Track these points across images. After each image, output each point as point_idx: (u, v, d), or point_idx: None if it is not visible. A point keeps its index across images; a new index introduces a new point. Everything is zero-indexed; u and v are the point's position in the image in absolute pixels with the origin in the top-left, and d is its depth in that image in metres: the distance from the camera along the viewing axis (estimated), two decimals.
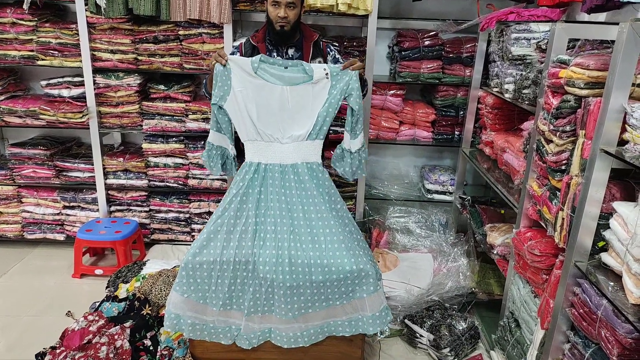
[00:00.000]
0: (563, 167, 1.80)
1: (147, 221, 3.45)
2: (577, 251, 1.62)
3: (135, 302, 2.40)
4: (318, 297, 2.04)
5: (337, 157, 2.25)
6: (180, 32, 3.06)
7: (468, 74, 3.10)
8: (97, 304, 2.49)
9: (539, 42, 2.30)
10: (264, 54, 2.31)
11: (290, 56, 2.40)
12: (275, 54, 2.39)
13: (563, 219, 1.73)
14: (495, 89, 2.82)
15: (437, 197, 3.38)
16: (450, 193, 3.36)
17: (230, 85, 2.09)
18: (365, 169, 2.27)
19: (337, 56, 2.49)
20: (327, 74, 2.14)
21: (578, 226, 1.60)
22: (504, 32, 2.58)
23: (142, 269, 2.85)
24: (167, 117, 3.22)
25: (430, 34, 3.08)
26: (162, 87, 3.20)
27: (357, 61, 2.16)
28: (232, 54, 2.39)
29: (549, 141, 1.88)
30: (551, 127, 1.83)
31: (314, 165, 2.16)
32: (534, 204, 2.07)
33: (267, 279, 1.99)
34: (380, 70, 3.36)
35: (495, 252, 2.52)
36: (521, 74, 2.44)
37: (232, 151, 2.20)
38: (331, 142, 2.65)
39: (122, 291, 2.60)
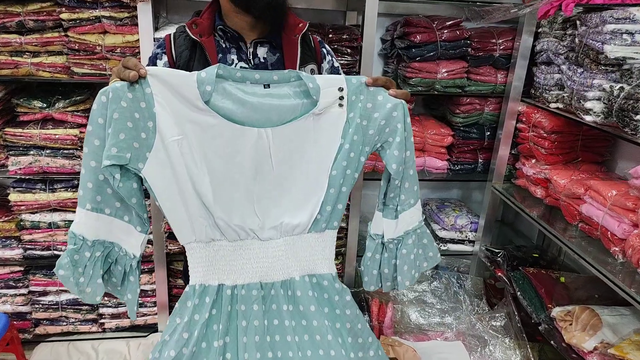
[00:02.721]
0: None
1: (25, 309, 2.23)
2: None
3: None
4: None
5: (366, 253, 1.24)
6: (64, 16, 1.86)
7: (501, 79, 2.19)
8: None
9: None
10: (213, 56, 1.24)
11: (262, 61, 1.33)
12: (233, 56, 1.31)
13: None
14: (553, 105, 1.92)
15: (452, 247, 2.46)
16: (471, 242, 2.46)
17: (152, 129, 1.00)
18: (417, 274, 1.27)
19: (337, 65, 1.46)
20: (342, 96, 1.11)
21: None
22: (587, 22, 1.67)
23: None
24: (49, 152, 2.02)
25: (450, 22, 2.12)
26: (38, 103, 1.99)
27: (390, 82, 1.16)
28: (153, 59, 1.29)
29: None
30: None
31: (325, 279, 1.14)
32: None
33: None
34: (368, 73, 2.35)
35: None
36: (620, 87, 1.56)
37: (135, 250, 1.11)
38: None
39: None
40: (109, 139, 0.98)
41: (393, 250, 1.21)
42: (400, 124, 1.13)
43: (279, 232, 1.12)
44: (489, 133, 2.30)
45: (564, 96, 1.84)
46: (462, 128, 2.29)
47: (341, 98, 1.12)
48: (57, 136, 1.99)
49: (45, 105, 1.99)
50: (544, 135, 1.98)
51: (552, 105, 1.92)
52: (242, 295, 1.08)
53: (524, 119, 2.12)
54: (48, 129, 1.99)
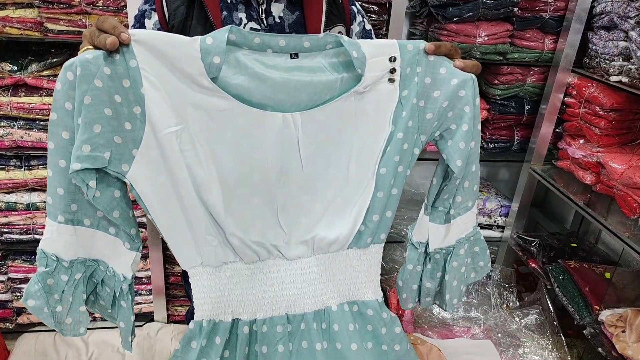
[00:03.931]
0: None
1: (5, 297, 2.00)
2: None
3: None
4: None
5: (407, 265, 0.99)
6: None
7: (549, 46, 1.89)
8: None
9: None
10: (216, 14, 0.95)
11: (277, 21, 1.04)
12: (241, 14, 1.01)
13: None
14: (614, 78, 1.64)
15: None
16: (500, 227, 2.22)
17: (140, 117, 0.73)
18: (465, 288, 1.03)
19: (368, 27, 1.17)
20: (394, 69, 0.83)
21: None
22: None
23: None
24: (23, 123, 1.73)
25: None
26: (7, 66, 1.68)
27: (455, 49, 0.88)
28: (140, 18, 1.00)
29: None
30: None
31: (370, 307, 0.89)
32: None
33: None
34: (397, 36, 2.03)
35: None
36: None
37: (126, 270, 0.86)
38: None
39: None
40: (80, 133, 0.70)
41: (440, 262, 0.96)
42: (469, 107, 0.85)
43: (310, 248, 0.86)
44: (529, 107, 2.02)
45: (630, 68, 1.56)
46: (499, 101, 2.00)
47: (392, 71, 0.84)
48: (31, 105, 1.69)
49: (16, 68, 1.68)
50: (600, 112, 1.70)
51: (613, 78, 1.63)
52: (264, 332, 0.83)
53: (574, 93, 1.84)
54: (20, 96, 1.69)
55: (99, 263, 0.85)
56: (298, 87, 0.81)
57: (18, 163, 1.78)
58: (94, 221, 0.81)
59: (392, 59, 0.84)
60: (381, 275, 2.13)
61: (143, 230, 1.95)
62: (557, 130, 1.97)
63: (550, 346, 1.84)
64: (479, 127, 0.91)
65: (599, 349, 1.61)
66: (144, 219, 1.91)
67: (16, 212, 1.85)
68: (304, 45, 0.82)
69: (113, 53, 0.71)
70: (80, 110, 0.70)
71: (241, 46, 0.79)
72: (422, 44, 0.85)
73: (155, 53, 0.73)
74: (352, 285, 0.88)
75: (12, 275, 1.96)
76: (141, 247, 0.85)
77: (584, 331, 1.66)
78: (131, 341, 0.89)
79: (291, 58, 0.83)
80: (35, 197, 1.84)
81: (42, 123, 1.73)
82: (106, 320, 2.10)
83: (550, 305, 1.94)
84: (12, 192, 1.83)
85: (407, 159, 0.88)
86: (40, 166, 1.80)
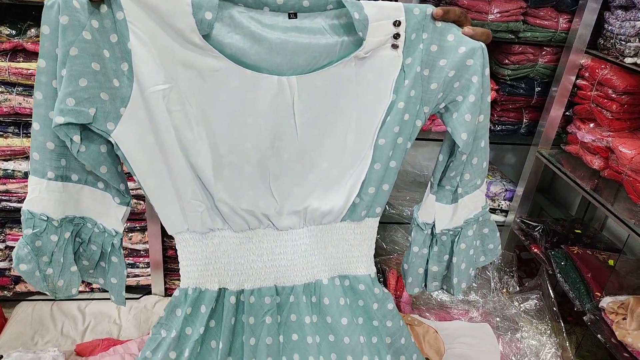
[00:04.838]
0: None
1: (3, 265, 2.00)
2: None
3: None
4: None
5: (412, 246, 0.96)
6: None
7: (563, 25, 1.82)
8: None
9: None
10: None
11: None
12: None
13: None
14: (629, 59, 1.58)
15: None
16: (504, 212, 2.19)
17: (128, 74, 0.70)
18: (473, 272, 1.00)
19: None
20: (398, 34, 0.79)
21: None
22: None
23: None
24: (21, 89, 1.70)
25: None
26: (6, 30, 1.65)
27: (464, 16, 0.84)
28: None
29: None
30: None
31: (362, 282, 0.86)
32: None
33: None
34: None
35: None
36: None
37: (117, 225, 0.84)
38: None
39: None
40: (63, 86, 0.68)
41: (447, 244, 0.93)
42: (477, 77, 0.81)
43: (302, 219, 0.83)
44: (539, 89, 1.96)
45: None
46: (508, 82, 1.95)
47: (396, 36, 0.80)
48: (29, 71, 1.66)
49: (14, 32, 1.65)
50: (613, 95, 1.65)
51: (628, 60, 1.57)
52: (251, 303, 0.81)
53: (586, 75, 1.78)
54: (18, 61, 1.66)
55: (86, 220, 0.82)
56: (295, 50, 0.77)
57: (16, 130, 1.76)
58: (82, 176, 0.79)
59: (397, 24, 0.79)
60: (381, 256, 2.11)
61: (142, 202, 1.93)
62: (567, 113, 1.91)
63: (548, 331, 1.82)
64: (489, 99, 0.86)
65: (598, 336, 1.58)
66: (142, 192, 1.89)
67: (14, 180, 1.83)
68: (303, 4, 0.78)
69: (100, 4, 0.68)
70: (65, 61, 0.66)
71: (236, 2, 0.75)
72: (429, 8, 0.81)
73: (144, 6, 0.69)
74: (345, 259, 0.86)
75: (10, 243, 1.95)
76: (131, 202, 0.83)
77: (584, 317, 1.63)
78: (124, 295, 0.88)
79: (289, 18, 0.79)
80: None
81: None
82: (104, 291, 2.13)
83: (550, 291, 1.92)
84: (10, 160, 1.81)
85: (408, 131, 0.84)
86: None
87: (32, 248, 0.77)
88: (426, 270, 0.96)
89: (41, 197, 0.76)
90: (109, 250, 0.84)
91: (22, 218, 0.78)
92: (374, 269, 0.87)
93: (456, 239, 0.92)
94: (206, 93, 0.75)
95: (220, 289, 0.80)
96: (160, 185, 0.76)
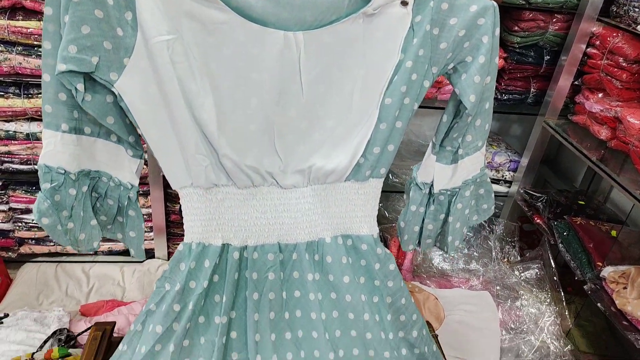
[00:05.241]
0: None
1: (7, 227, 2.01)
2: None
3: None
4: None
5: (407, 205, 0.96)
6: None
7: None
8: None
9: None
10: None
11: None
12: None
13: None
14: None
15: None
16: (508, 182, 2.18)
17: (132, 23, 0.68)
18: (466, 230, 1.00)
19: None
20: None
21: None
22: None
23: None
24: (21, 49, 1.68)
25: None
26: None
27: None
28: None
29: None
30: None
31: (365, 242, 0.86)
32: None
33: None
34: None
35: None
36: None
37: (132, 179, 0.85)
38: None
39: None
40: (66, 33, 0.66)
41: (444, 203, 0.93)
42: (488, 37, 0.79)
43: (306, 178, 0.82)
44: (548, 58, 1.92)
45: None
46: (517, 50, 1.91)
47: None
48: (29, 30, 1.63)
49: None
50: (623, 64, 1.62)
51: None
52: (254, 259, 0.81)
53: (597, 43, 1.74)
54: (18, 19, 1.63)
55: (101, 174, 0.82)
56: (303, 5, 0.75)
57: (17, 91, 1.74)
58: (95, 129, 0.78)
59: None
60: (383, 224, 2.12)
61: (145, 166, 1.92)
62: (575, 83, 1.88)
63: (548, 300, 1.84)
64: (497, 60, 0.84)
65: (598, 304, 1.59)
66: (146, 155, 1.88)
67: (16, 142, 1.83)
68: None
69: None
70: (68, 7, 0.65)
71: None
72: None
73: None
74: (348, 219, 0.86)
75: (14, 205, 1.96)
76: (144, 156, 0.83)
77: (584, 286, 1.64)
78: (143, 248, 0.89)
79: None
80: (35, 127, 1.81)
81: (40, 50, 1.67)
82: (108, 254, 2.15)
83: (551, 261, 1.93)
84: (11, 121, 1.80)
85: (415, 91, 0.83)
86: (39, 95, 1.76)
87: (52, 202, 0.77)
88: (421, 228, 0.96)
89: (56, 150, 0.76)
90: (126, 204, 0.85)
91: (39, 173, 0.77)
92: (377, 230, 0.87)
93: (453, 199, 0.92)
94: (210, 46, 0.73)
95: (223, 244, 0.80)
96: (164, 137, 0.75)
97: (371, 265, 0.86)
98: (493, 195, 1.01)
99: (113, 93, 0.72)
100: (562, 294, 1.87)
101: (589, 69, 1.80)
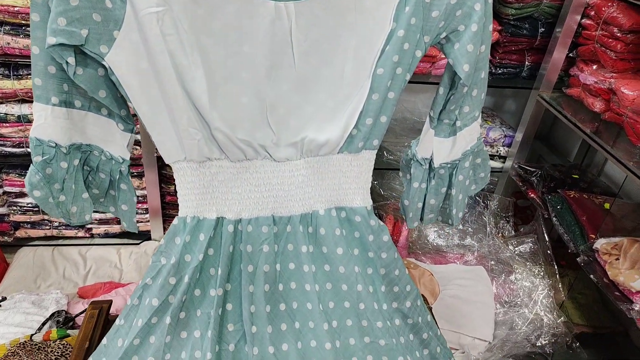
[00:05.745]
0: None
1: (2, 211, 2.01)
2: None
3: None
4: None
5: (405, 179, 0.96)
6: None
7: None
8: None
9: None
10: None
11: None
12: None
13: None
14: None
15: None
16: (502, 158, 2.18)
17: None
18: (467, 200, 1.01)
19: None
20: None
21: None
22: None
23: None
24: (9, 28, 1.65)
25: None
26: None
27: None
28: None
29: None
30: None
31: (358, 214, 0.87)
32: None
33: None
34: None
35: (634, 306, 1.45)
36: None
37: (123, 152, 0.84)
38: None
39: None
40: (54, 5, 0.65)
41: (445, 177, 0.93)
42: (480, 5, 0.78)
43: (299, 150, 0.82)
44: (543, 30, 1.91)
45: None
46: (512, 22, 1.89)
47: None
48: (16, 8, 1.60)
49: None
50: (618, 34, 1.61)
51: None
52: (249, 232, 0.81)
53: (592, 14, 1.73)
54: None
55: (93, 148, 0.82)
56: None
57: (6, 72, 1.72)
58: (85, 103, 0.78)
59: None
60: (378, 202, 2.12)
61: (138, 147, 1.91)
62: (570, 55, 1.87)
63: (542, 273, 1.86)
64: (490, 28, 0.84)
65: (591, 276, 1.61)
66: (138, 136, 1.87)
67: (7, 124, 1.81)
68: None
69: None
70: None
71: None
72: None
73: None
74: (341, 191, 0.85)
75: (8, 189, 1.96)
76: (134, 130, 0.83)
77: (577, 259, 1.66)
78: (136, 222, 0.90)
79: None
80: (26, 109, 1.79)
81: (28, 29, 1.64)
82: (105, 236, 2.15)
83: (545, 235, 1.94)
84: (2, 103, 1.78)
85: (408, 61, 0.82)
86: (29, 76, 1.73)
87: (43, 175, 0.77)
88: (423, 204, 0.96)
89: (47, 123, 0.75)
90: (118, 177, 0.85)
91: (30, 146, 0.77)
92: (371, 202, 0.87)
93: (454, 172, 0.92)
94: (200, 19, 0.72)
95: (218, 217, 0.80)
96: (156, 111, 0.74)
97: (365, 237, 0.86)
98: (489, 163, 1.01)
99: (104, 66, 0.72)
100: (556, 267, 1.89)
101: (584, 41, 1.79)
